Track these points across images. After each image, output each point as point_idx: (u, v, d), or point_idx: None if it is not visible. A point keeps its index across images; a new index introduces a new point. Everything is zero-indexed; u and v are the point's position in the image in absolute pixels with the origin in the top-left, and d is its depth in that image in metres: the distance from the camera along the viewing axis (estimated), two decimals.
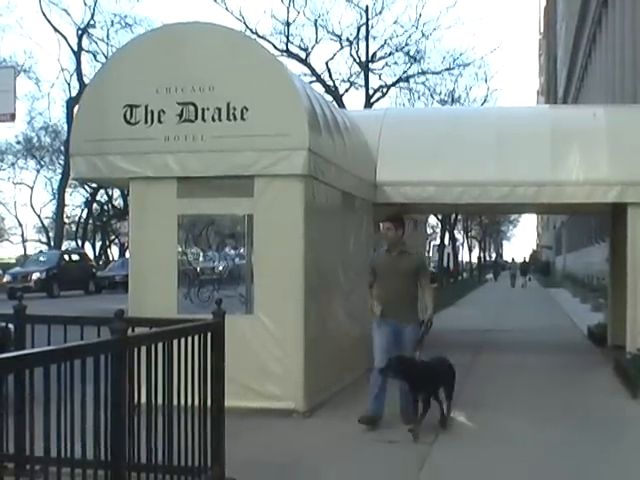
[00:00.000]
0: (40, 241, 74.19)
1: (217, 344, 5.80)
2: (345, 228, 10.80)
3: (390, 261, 8.53)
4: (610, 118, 13.54)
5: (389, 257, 8.59)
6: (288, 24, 38.47)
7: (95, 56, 47.21)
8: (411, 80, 41.18)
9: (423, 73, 40.93)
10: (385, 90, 40.89)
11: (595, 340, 16.38)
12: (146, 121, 9.34)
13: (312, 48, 39.32)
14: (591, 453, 7.52)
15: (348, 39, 39.40)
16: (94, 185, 50.23)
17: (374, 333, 8.50)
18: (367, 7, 37.30)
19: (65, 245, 54.94)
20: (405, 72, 40.57)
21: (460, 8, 57.43)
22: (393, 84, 40.95)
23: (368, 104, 36.89)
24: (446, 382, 8.42)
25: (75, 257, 41.66)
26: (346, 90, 40.87)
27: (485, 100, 44.57)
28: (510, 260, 67.62)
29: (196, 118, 9.20)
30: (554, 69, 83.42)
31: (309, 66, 39.14)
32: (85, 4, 45.73)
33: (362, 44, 38.11)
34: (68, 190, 52.67)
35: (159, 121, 9.31)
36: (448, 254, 61.06)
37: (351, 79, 40.61)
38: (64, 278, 36.93)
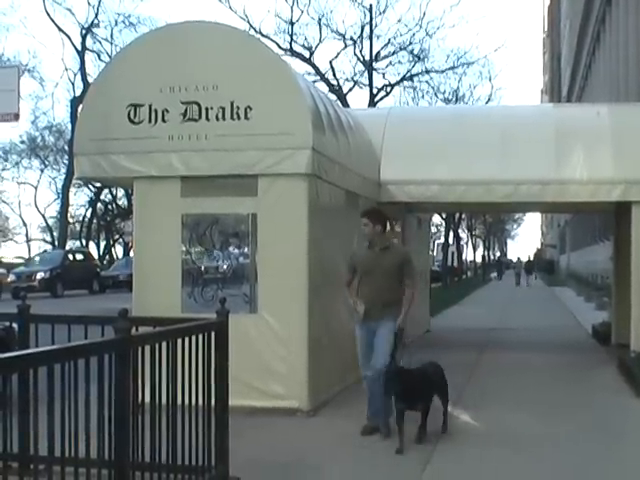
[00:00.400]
0: (44, 240, 74.22)
1: (221, 343, 5.81)
2: (349, 227, 10.79)
3: (372, 257, 8.08)
4: (614, 117, 13.54)
5: (371, 253, 8.13)
6: (292, 23, 38.49)
7: (99, 55, 47.31)
8: (415, 79, 41.15)
9: (427, 72, 40.89)
10: (389, 89, 40.87)
11: (599, 339, 16.37)
12: (150, 120, 9.34)
13: (316, 47, 39.32)
14: (595, 452, 7.50)
15: (352, 38, 39.40)
16: (98, 184, 50.19)
17: (356, 337, 8.16)
18: (371, 6, 37.32)
19: (69, 244, 54.98)
20: (409, 71, 40.54)
21: (464, 7, 58.05)
22: (397, 83, 40.91)
23: (372, 103, 36.87)
24: (440, 388, 8.02)
25: (79, 256, 41.72)
26: (350, 89, 40.83)
27: (489, 99, 44.55)
28: (515, 259, 67.57)
29: (200, 117, 9.21)
30: (558, 68, 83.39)
31: (313, 65, 39.13)
32: (89, 3, 45.83)
33: (366, 43, 38.15)
34: (72, 189, 52.70)
35: (163, 120, 9.32)
36: (452, 253, 61.05)
37: (355, 78, 40.58)
38: (68, 277, 36.95)
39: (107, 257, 62.17)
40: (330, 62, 39.56)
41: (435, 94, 41.64)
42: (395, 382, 7.37)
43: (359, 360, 8.16)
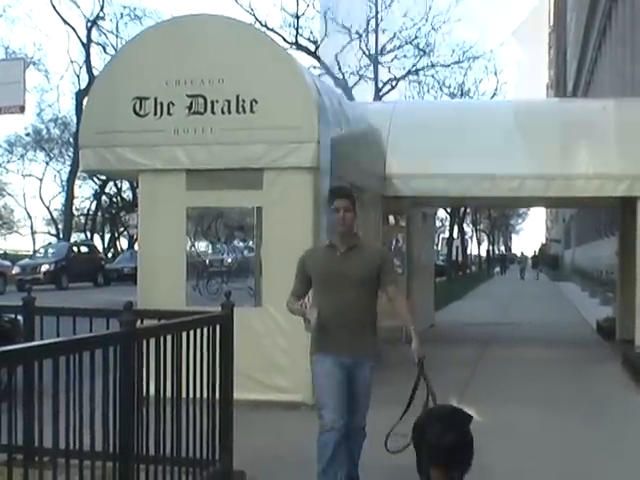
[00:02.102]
0: (49, 233, 74.29)
1: (226, 336, 5.80)
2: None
3: (336, 261, 5.61)
4: (620, 111, 13.50)
5: (333, 255, 5.66)
6: (297, 17, 38.57)
7: (104, 48, 47.29)
8: (420, 73, 41.20)
9: (432, 66, 40.94)
10: (394, 83, 40.92)
11: (604, 334, 16.36)
12: (155, 113, 9.35)
13: (321, 41, 39.36)
14: (598, 448, 7.50)
15: (358, 32, 39.41)
16: (103, 177, 50.23)
17: (315, 370, 5.62)
18: None
19: (74, 237, 55.00)
20: (414, 65, 40.61)
21: (469, 1, 57.46)
22: (402, 77, 40.95)
23: (377, 97, 36.87)
24: None
25: (84, 249, 41.69)
26: (355, 83, 40.87)
27: (494, 93, 44.55)
28: (520, 254, 67.66)
29: (205, 110, 9.20)
30: (564, 62, 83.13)
31: (318, 59, 39.14)
32: None
33: (372, 37, 38.20)
34: (77, 182, 52.65)
35: (168, 113, 9.32)
36: (457, 247, 61.07)
37: (360, 72, 40.63)
38: (73, 270, 36.95)
39: (112, 250, 62.18)
40: (336, 56, 39.59)
41: (440, 88, 41.72)
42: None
43: (322, 402, 5.45)
